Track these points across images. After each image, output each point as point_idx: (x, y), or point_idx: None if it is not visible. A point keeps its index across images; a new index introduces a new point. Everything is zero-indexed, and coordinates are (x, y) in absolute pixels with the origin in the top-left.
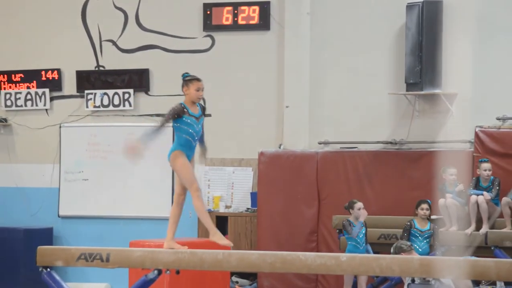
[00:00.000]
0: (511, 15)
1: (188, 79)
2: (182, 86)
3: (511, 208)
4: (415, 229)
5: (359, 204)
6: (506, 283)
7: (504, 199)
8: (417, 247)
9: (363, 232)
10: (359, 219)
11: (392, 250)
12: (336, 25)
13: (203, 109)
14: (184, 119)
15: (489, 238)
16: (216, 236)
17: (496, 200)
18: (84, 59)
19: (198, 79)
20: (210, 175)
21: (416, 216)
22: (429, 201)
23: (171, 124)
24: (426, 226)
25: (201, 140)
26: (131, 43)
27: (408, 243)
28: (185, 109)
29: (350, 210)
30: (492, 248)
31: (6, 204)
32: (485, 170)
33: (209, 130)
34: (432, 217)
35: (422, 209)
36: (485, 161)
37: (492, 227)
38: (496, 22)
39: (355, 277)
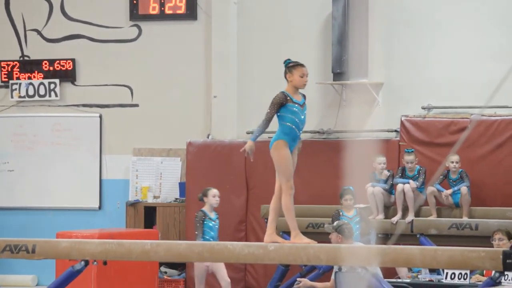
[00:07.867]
0: (436, 5)
1: (291, 65)
2: (285, 73)
3: (436, 197)
4: (343, 216)
5: (214, 191)
6: (430, 270)
7: (429, 188)
8: None
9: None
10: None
11: (334, 223)
12: (263, 15)
13: (304, 97)
14: (288, 107)
15: (415, 226)
16: (297, 237)
17: (421, 189)
18: (8, 48)
19: (301, 65)
20: (138, 165)
21: (341, 206)
22: (351, 187)
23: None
24: (353, 212)
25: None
26: (57, 32)
27: (352, 230)
28: (288, 97)
29: (205, 198)
30: (418, 235)
31: None
32: (407, 163)
33: (137, 120)
34: (360, 205)
35: (346, 200)
36: (408, 152)
37: (417, 215)
38: (420, 12)
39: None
